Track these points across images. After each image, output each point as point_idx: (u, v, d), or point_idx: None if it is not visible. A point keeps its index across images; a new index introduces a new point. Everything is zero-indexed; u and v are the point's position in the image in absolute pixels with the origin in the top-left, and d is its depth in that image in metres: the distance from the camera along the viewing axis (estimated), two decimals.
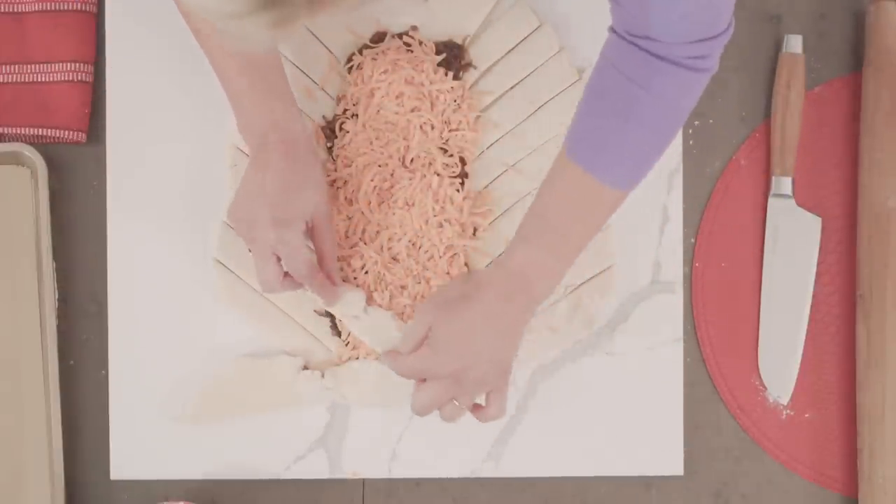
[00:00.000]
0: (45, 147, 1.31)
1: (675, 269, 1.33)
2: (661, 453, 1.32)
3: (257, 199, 1.19)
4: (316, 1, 0.78)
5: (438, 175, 1.30)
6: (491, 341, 1.16)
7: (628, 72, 1.09)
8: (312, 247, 1.25)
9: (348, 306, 1.27)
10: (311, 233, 1.24)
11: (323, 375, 1.29)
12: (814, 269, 1.34)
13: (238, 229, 1.23)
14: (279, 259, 1.21)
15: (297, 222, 1.20)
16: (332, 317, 1.30)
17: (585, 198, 1.13)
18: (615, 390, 1.32)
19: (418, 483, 1.32)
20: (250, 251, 1.23)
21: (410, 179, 1.29)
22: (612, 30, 1.10)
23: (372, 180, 1.29)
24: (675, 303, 1.33)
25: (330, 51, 1.32)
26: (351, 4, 0.80)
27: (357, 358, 1.29)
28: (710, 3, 1.06)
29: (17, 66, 1.32)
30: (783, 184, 1.33)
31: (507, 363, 1.18)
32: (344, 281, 1.29)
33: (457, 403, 1.18)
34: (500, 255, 1.18)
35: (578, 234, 1.16)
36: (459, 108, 1.31)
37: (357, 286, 1.28)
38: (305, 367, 1.30)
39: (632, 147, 1.11)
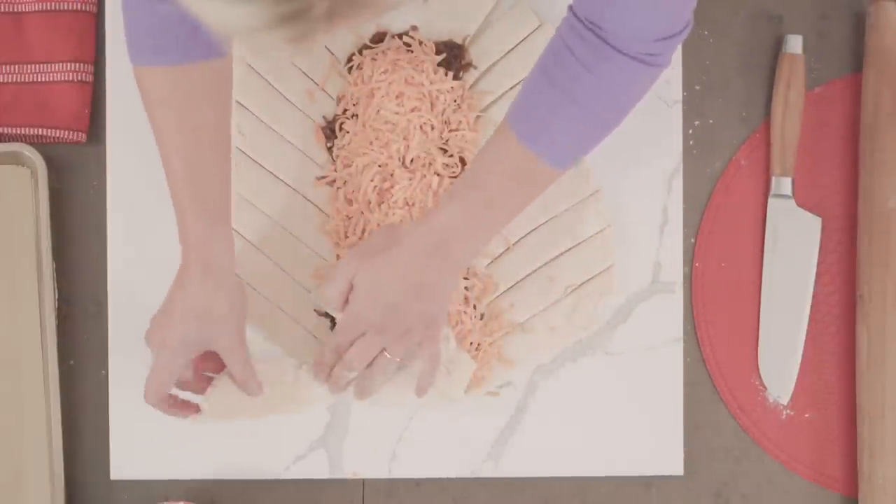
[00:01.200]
0: (45, 147, 1.31)
1: (675, 269, 1.33)
2: (661, 453, 1.32)
3: (170, 317, 1.19)
4: (335, 16, 0.77)
5: (438, 175, 1.30)
6: (412, 294, 1.16)
7: (579, 53, 1.09)
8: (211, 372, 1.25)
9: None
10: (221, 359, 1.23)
11: None
12: (814, 269, 1.34)
13: (151, 339, 1.21)
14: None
15: (184, 351, 1.19)
16: (332, 317, 1.30)
17: (519, 169, 1.14)
18: (615, 390, 1.32)
19: (418, 483, 1.32)
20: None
21: (410, 179, 1.29)
22: (571, 10, 1.10)
23: (372, 180, 1.29)
24: (675, 303, 1.33)
25: (330, 51, 1.32)
26: (368, 17, 0.80)
27: None
28: (668, 4, 1.06)
29: (16, 66, 1.32)
30: (783, 184, 1.33)
31: (434, 317, 1.19)
32: None
33: (387, 355, 1.19)
34: (429, 210, 1.18)
35: (506, 204, 1.16)
36: (459, 108, 1.31)
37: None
38: (305, 367, 1.30)
39: (571, 127, 1.11)
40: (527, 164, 1.13)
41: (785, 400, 1.33)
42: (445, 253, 1.16)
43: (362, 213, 1.29)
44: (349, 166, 1.30)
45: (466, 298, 1.29)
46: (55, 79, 1.31)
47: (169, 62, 1.14)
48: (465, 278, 1.29)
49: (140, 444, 1.30)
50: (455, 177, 1.30)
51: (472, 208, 1.15)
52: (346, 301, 1.19)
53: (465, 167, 1.16)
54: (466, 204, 1.15)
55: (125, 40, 1.15)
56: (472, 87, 1.33)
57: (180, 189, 1.18)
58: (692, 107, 1.34)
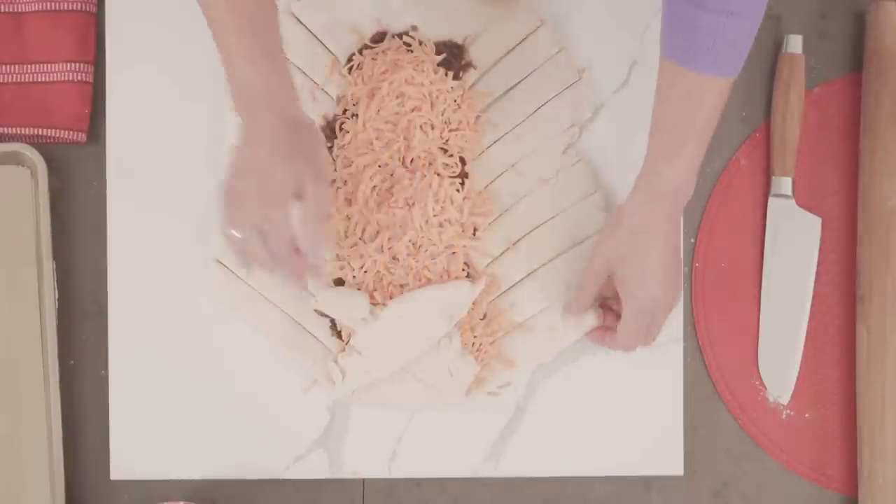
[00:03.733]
0: (45, 147, 1.31)
1: None
2: (661, 453, 1.32)
3: (248, 172, 1.17)
4: None
5: (438, 175, 1.30)
6: (670, 258, 1.22)
7: None
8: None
9: (352, 310, 1.27)
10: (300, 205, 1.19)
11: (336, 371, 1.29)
12: (814, 269, 1.34)
13: (229, 209, 1.18)
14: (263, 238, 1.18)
15: (282, 197, 1.16)
16: (332, 318, 1.30)
17: (699, 94, 1.16)
18: (615, 390, 1.32)
19: (418, 483, 1.32)
20: (231, 232, 1.19)
21: (410, 179, 1.29)
22: None
23: (372, 180, 1.29)
24: None
25: (330, 51, 1.32)
26: None
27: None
28: None
29: (17, 66, 1.32)
30: (783, 184, 1.33)
31: (681, 269, 1.25)
32: (343, 281, 1.29)
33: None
34: (640, 179, 1.21)
35: (703, 129, 1.18)
36: (459, 108, 1.31)
37: (358, 289, 1.28)
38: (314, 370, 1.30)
39: (738, 39, 1.13)
40: (704, 87, 1.16)
41: (785, 400, 1.33)
42: (680, 203, 1.21)
43: (362, 212, 1.29)
44: (349, 166, 1.30)
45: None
46: (55, 79, 1.31)
47: None
48: (468, 277, 1.30)
49: (140, 444, 1.31)
50: (455, 176, 1.30)
51: (684, 153, 1.18)
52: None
53: (655, 119, 1.19)
54: (680, 153, 1.18)
55: None
56: (472, 87, 1.33)
57: (232, 43, 1.16)
58: None
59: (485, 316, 1.30)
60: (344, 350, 1.29)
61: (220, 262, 1.31)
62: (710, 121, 1.18)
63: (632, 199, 1.22)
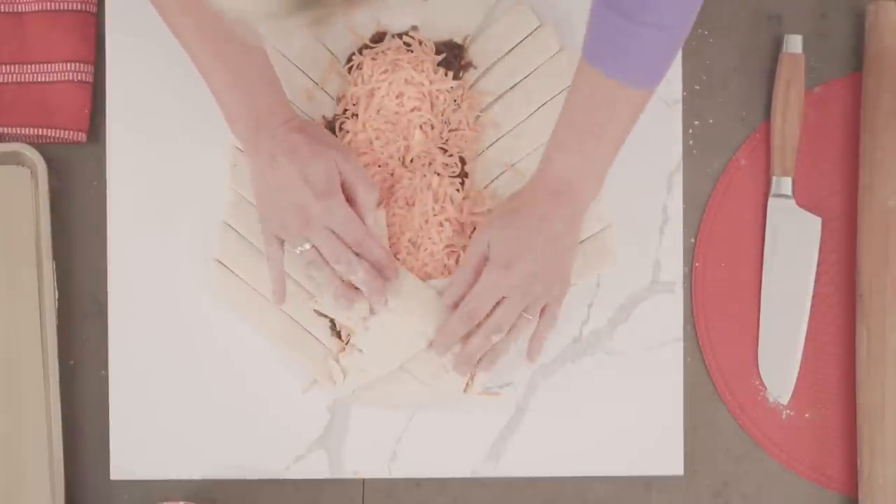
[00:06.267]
0: (45, 147, 1.31)
1: (675, 269, 1.33)
2: (661, 453, 1.32)
3: (287, 185, 1.20)
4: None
5: (438, 175, 1.30)
6: (547, 247, 1.19)
7: None
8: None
9: (352, 309, 1.27)
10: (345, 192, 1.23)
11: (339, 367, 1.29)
12: (814, 269, 1.34)
13: (288, 227, 1.22)
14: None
15: (334, 185, 1.20)
16: (331, 318, 1.30)
17: (611, 101, 1.16)
18: (615, 390, 1.32)
19: (418, 483, 1.32)
20: (299, 249, 1.22)
21: (410, 179, 1.29)
22: None
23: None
24: (675, 303, 1.33)
25: (330, 51, 1.32)
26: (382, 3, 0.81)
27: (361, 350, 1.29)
28: None
29: (17, 66, 1.32)
30: (783, 184, 1.33)
31: (567, 272, 1.23)
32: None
33: (528, 317, 1.23)
34: (539, 166, 1.21)
35: (611, 135, 1.18)
36: (459, 108, 1.31)
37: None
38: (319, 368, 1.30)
39: (649, 48, 1.13)
40: (618, 94, 1.15)
41: (785, 400, 1.33)
42: (569, 198, 1.19)
43: None
44: None
45: None
46: (55, 79, 1.31)
47: None
48: None
49: (140, 444, 1.31)
50: (455, 176, 1.30)
51: (581, 149, 1.18)
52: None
53: (561, 115, 1.19)
54: (576, 147, 1.18)
55: None
56: (472, 87, 1.33)
57: (222, 75, 1.19)
58: (692, 107, 1.34)
59: None
60: (344, 350, 1.29)
61: (220, 262, 1.31)
62: (623, 131, 1.17)
63: (528, 184, 1.21)
